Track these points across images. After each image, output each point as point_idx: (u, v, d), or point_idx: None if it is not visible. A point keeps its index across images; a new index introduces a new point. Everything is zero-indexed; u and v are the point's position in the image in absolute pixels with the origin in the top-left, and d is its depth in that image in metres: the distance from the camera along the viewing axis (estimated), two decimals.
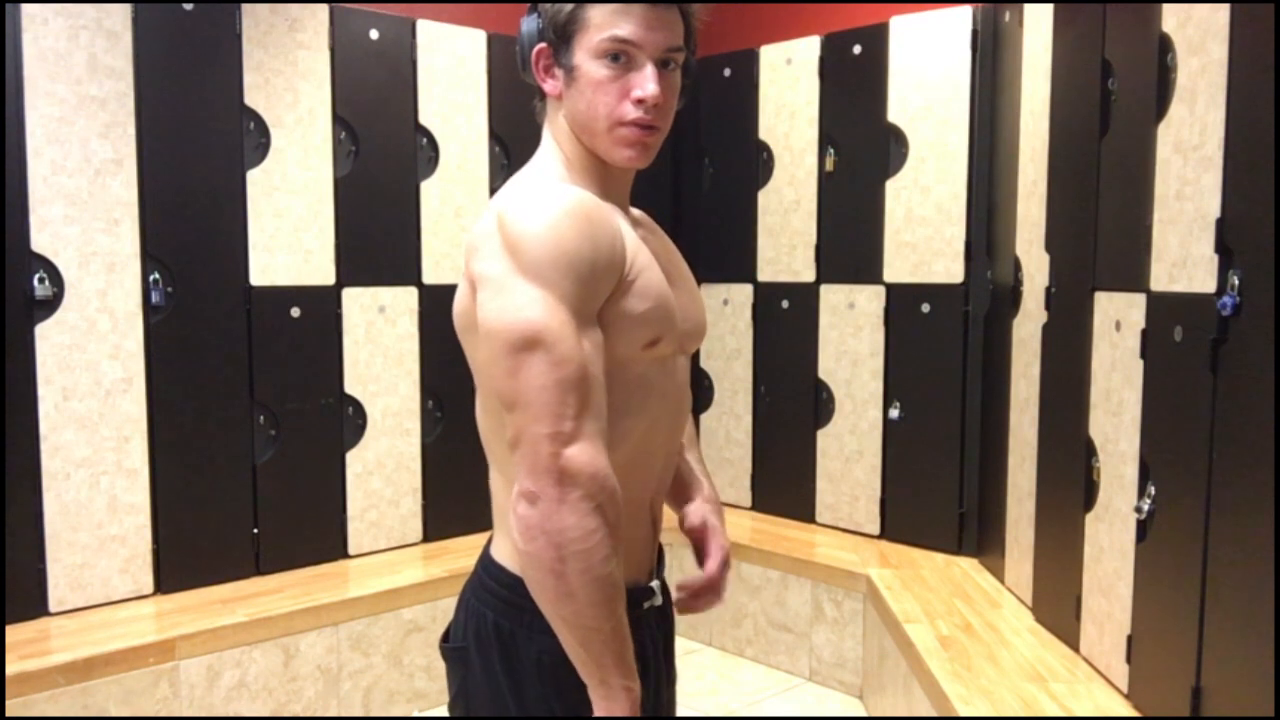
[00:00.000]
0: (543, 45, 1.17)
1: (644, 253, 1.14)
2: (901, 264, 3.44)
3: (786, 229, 3.77)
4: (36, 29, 2.67)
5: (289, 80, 3.14)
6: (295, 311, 3.18)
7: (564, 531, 1.00)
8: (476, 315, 1.08)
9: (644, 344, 1.12)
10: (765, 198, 3.83)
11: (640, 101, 1.12)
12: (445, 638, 1.26)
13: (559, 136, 1.19)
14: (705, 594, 1.34)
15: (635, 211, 1.29)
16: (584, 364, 1.02)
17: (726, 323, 3.98)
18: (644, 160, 1.16)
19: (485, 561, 1.22)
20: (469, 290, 1.12)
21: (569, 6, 1.13)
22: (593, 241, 1.05)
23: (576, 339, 1.02)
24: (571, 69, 1.14)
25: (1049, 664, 2.44)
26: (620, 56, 1.11)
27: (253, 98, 3.07)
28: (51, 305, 2.74)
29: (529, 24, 1.18)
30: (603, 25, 1.11)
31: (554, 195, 1.07)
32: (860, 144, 3.54)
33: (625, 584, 1.19)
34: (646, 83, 1.12)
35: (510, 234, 1.04)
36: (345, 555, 3.34)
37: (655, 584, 1.25)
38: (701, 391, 4.05)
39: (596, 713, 1.06)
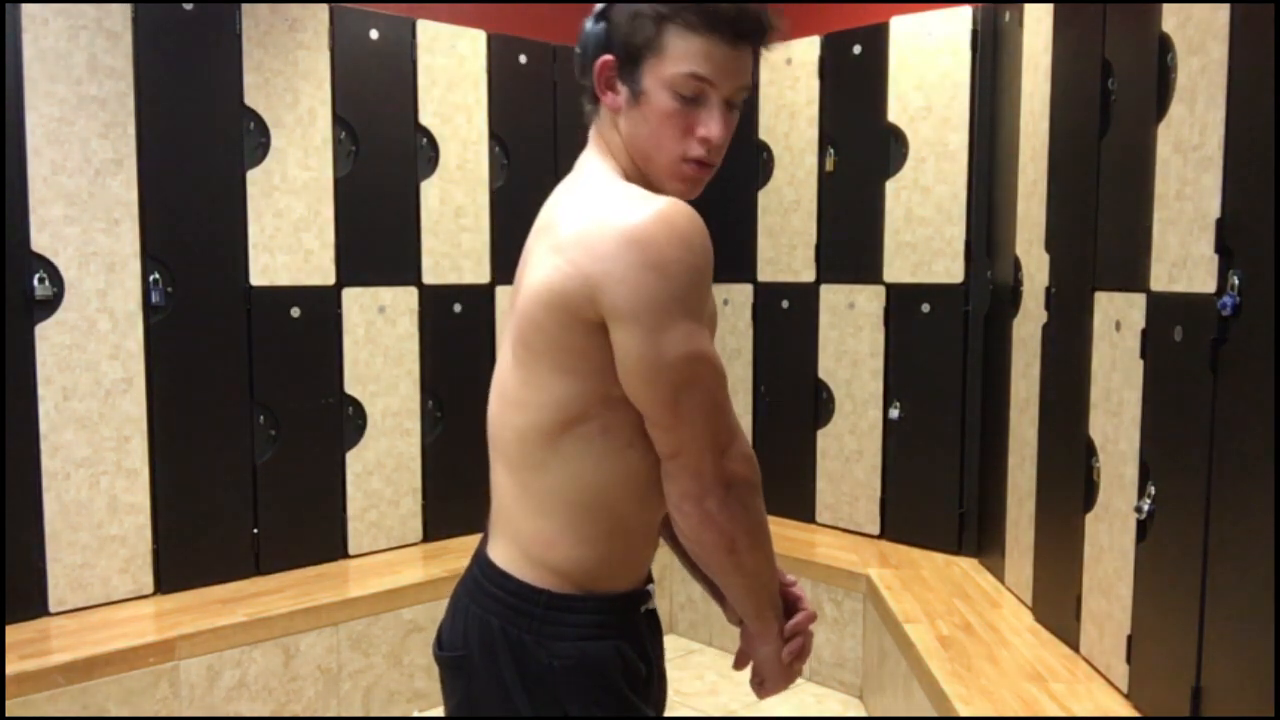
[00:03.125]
0: (609, 58, 1.14)
1: None
2: (901, 264, 3.44)
3: (786, 229, 3.77)
4: (36, 29, 2.67)
5: (289, 80, 3.14)
6: (295, 311, 3.18)
7: (732, 521, 1.11)
8: (554, 297, 1.07)
9: None
10: (765, 198, 3.83)
11: (704, 140, 1.12)
12: (439, 645, 1.24)
13: (612, 148, 1.18)
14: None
15: None
16: (725, 375, 1.11)
17: (726, 323, 3.98)
18: (693, 194, 1.16)
19: (484, 566, 1.20)
20: (564, 274, 1.07)
21: (648, 27, 1.10)
22: (709, 256, 1.07)
23: (715, 351, 1.09)
24: (639, 93, 1.12)
25: (1049, 664, 2.44)
26: (693, 93, 1.10)
27: (253, 98, 3.07)
28: (51, 305, 2.74)
29: (596, 31, 1.14)
30: (682, 58, 1.09)
31: (671, 208, 1.05)
32: (860, 144, 3.54)
33: (626, 590, 1.20)
34: (713, 124, 1.12)
35: (646, 255, 1.03)
36: (345, 555, 3.34)
37: (651, 587, 1.26)
38: None
39: (755, 641, 1.24)
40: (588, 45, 1.16)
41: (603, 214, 1.07)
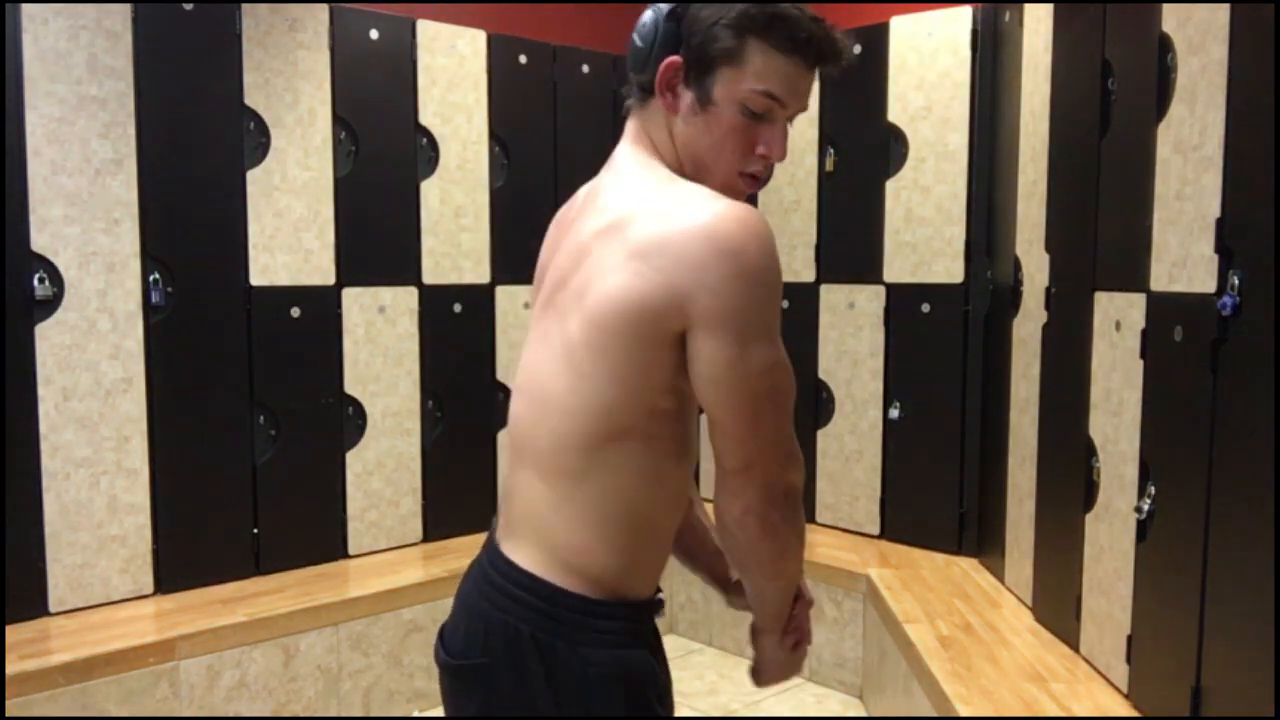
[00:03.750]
0: (677, 59, 1.11)
1: None
2: (901, 264, 3.44)
3: (786, 229, 3.77)
4: (36, 29, 2.67)
5: (289, 80, 3.14)
6: (295, 311, 3.18)
7: (791, 531, 1.14)
8: (635, 304, 1.04)
9: None
10: (765, 198, 3.83)
11: (765, 157, 1.12)
12: (447, 652, 1.18)
13: (660, 146, 1.16)
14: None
15: None
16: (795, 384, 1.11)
17: None
18: None
19: (504, 570, 1.14)
20: (647, 282, 1.04)
21: (729, 38, 1.07)
22: None
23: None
24: (707, 102, 1.10)
25: (1049, 664, 2.44)
26: (763, 110, 1.10)
27: (253, 98, 3.07)
28: (51, 305, 2.74)
29: (665, 28, 1.11)
30: (760, 76, 1.08)
31: (758, 218, 1.04)
32: (860, 144, 3.54)
33: (647, 598, 1.18)
34: (775, 142, 1.12)
35: (738, 265, 1.01)
36: (345, 555, 3.34)
37: (662, 595, 1.24)
38: None
39: (758, 634, 1.28)
40: (652, 41, 1.12)
41: (686, 218, 1.03)
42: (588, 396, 1.09)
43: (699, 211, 1.04)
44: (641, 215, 1.07)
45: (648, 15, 1.14)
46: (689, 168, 1.14)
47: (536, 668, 1.09)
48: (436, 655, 1.21)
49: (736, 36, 1.07)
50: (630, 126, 1.19)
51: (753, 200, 3.81)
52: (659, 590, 1.24)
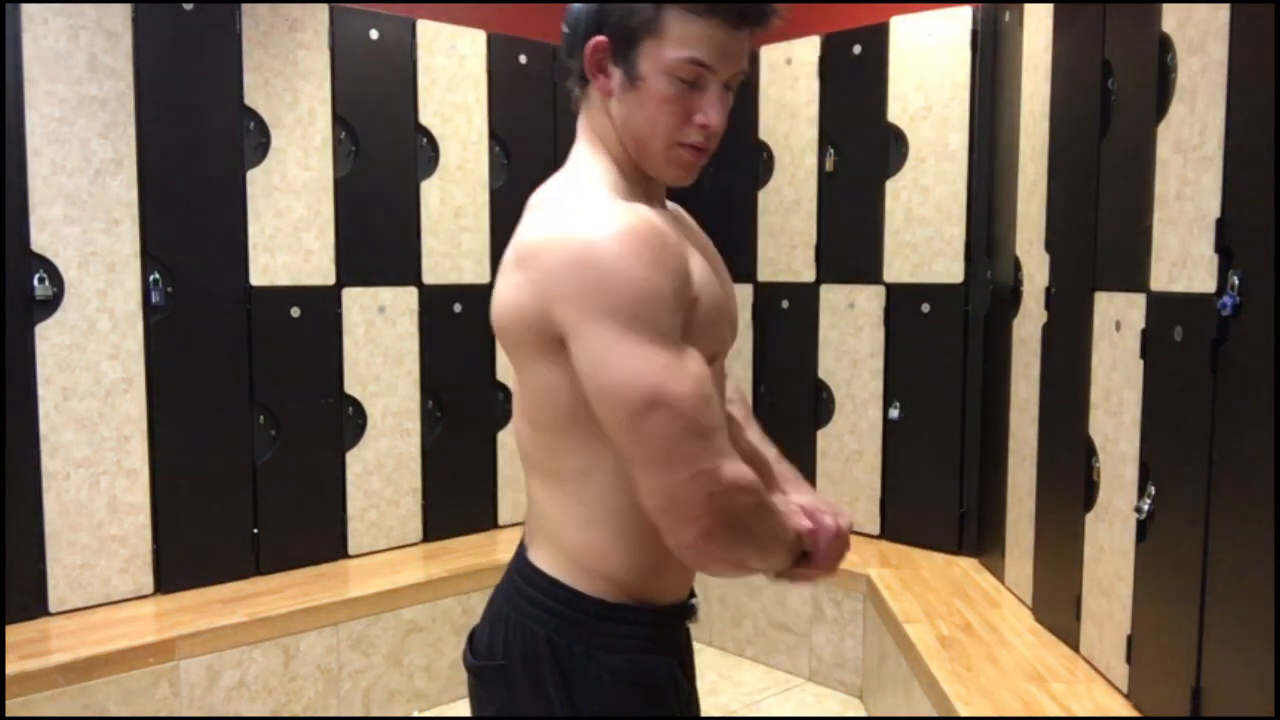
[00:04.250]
0: (602, 39, 1.08)
1: (696, 260, 1.09)
2: (901, 264, 3.44)
3: (786, 229, 3.77)
4: (36, 29, 2.67)
5: (289, 80, 3.14)
6: (295, 311, 3.18)
7: (742, 551, 1.05)
8: (517, 315, 1.04)
9: (705, 359, 1.05)
10: (765, 198, 3.83)
11: (703, 126, 1.09)
12: (473, 653, 1.18)
13: (603, 135, 1.13)
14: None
15: (670, 205, 1.24)
16: (700, 395, 0.99)
17: None
18: (689, 180, 1.13)
19: (527, 574, 1.14)
20: (525, 292, 1.04)
21: (647, 8, 1.05)
22: (675, 267, 1.01)
23: (688, 375, 0.99)
24: (635, 77, 1.07)
25: (1049, 664, 2.44)
26: (692, 78, 1.07)
27: (253, 98, 3.07)
28: (51, 305, 2.74)
29: (588, 10, 1.09)
30: (682, 42, 1.05)
31: (626, 222, 1.00)
32: (860, 144, 3.54)
33: (675, 603, 1.15)
34: (711, 109, 1.08)
35: (595, 272, 0.97)
36: (345, 555, 3.34)
37: (695, 601, 1.22)
38: None
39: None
40: (577, 25, 1.10)
41: (561, 227, 1.02)
42: (537, 400, 1.09)
43: (574, 220, 1.02)
44: (532, 224, 1.07)
45: (574, 3, 1.12)
46: (631, 148, 1.12)
47: (552, 672, 1.09)
48: (465, 658, 1.21)
49: (654, 5, 1.05)
50: (579, 122, 1.17)
51: (751, 199, 3.83)
52: (692, 594, 1.21)
